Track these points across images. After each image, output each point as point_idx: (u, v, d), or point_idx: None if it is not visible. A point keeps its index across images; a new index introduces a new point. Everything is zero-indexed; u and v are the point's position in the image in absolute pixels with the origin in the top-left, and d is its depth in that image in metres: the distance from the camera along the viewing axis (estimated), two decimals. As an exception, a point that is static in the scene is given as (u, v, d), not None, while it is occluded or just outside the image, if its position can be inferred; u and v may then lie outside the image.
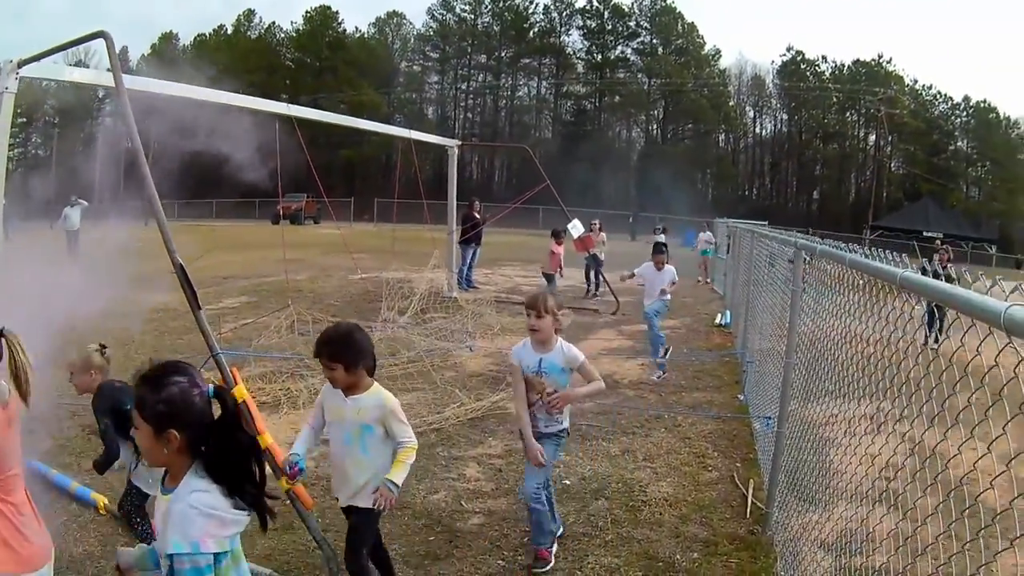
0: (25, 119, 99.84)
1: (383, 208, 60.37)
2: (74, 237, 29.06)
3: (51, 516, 6.76)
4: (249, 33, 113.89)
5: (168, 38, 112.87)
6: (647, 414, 10.99)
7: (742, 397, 12.07)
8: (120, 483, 7.81)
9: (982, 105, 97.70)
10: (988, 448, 2.63)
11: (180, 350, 13.94)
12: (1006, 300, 2.39)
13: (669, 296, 14.49)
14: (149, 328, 16.40)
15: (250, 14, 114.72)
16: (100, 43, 6.90)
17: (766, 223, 46.74)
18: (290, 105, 13.40)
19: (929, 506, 3.26)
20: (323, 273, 26.51)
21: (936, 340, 14.97)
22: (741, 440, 9.96)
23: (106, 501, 7.19)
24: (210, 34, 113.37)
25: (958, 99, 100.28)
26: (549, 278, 21.96)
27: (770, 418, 7.91)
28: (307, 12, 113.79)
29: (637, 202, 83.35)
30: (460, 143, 21.68)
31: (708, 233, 34.85)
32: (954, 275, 17.82)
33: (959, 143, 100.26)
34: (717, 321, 20.01)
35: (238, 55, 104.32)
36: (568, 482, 8.18)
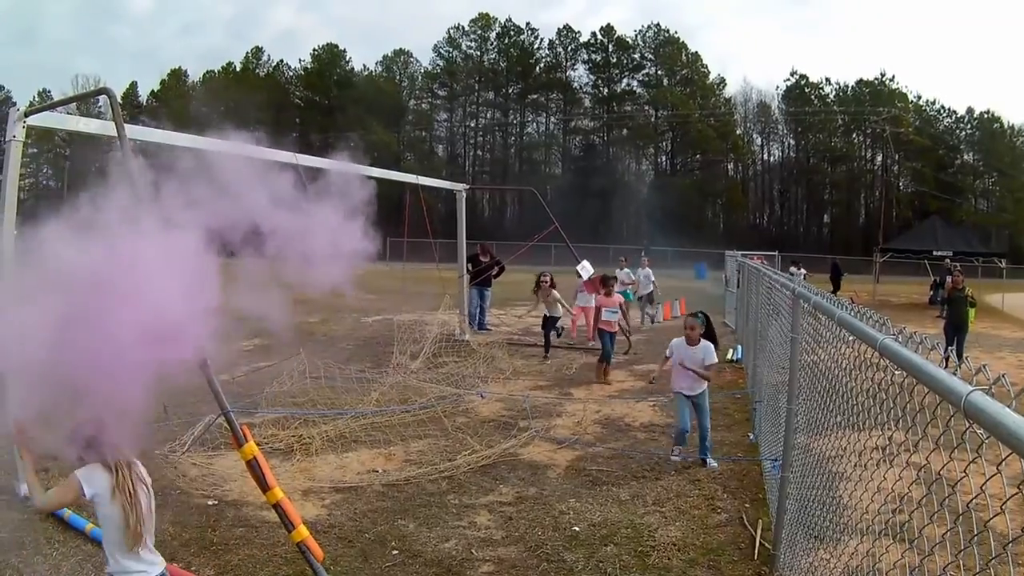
0: (35, 149, 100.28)
1: (395, 247, 60.55)
2: None
3: (67, 556, 6.85)
4: (258, 71, 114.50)
5: (177, 75, 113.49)
6: (658, 457, 11.04)
7: (752, 435, 12.08)
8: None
9: (986, 116, 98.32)
10: (998, 469, 2.63)
11: (192, 391, 13.98)
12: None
13: (705, 386, 11.12)
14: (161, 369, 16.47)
15: (258, 51, 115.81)
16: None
17: (776, 252, 46.83)
18: (296, 155, 13.46)
19: (936, 535, 3.30)
20: (336, 314, 26.55)
21: (954, 361, 14.95)
22: (751, 480, 9.98)
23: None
24: (219, 71, 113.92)
25: (962, 111, 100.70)
26: (609, 339, 17.55)
27: (776, 460, 7.96)
28: (315, 50, 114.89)
29: (648, 235, 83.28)
30: (468, 187, 21.75)
31: (626, 271, 29.23)
32: (970, 294, 17.85)
33: (965, 156, 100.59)
34: (729, 357, 19.86)
35: (246, 92, 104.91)
36: (577, 529, 8.20)
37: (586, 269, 21.08)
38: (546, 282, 20.62)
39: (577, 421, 13.16)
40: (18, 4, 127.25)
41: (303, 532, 6.15)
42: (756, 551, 7.64)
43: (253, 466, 6.16)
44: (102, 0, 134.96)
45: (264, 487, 6.15)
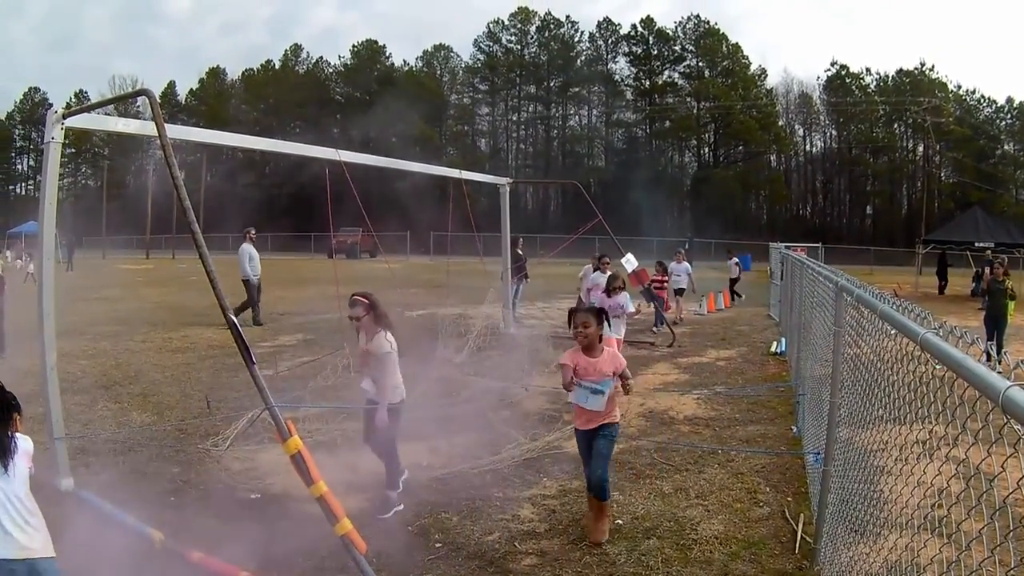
0: (73, 149, 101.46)
1: (439, 241, 60.68)
2: (255, 291, 23.73)
3: (106, 551, 6.92)
4: (297, 68, 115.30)
5: (215, 73, 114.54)
6: (701, 450, 11.00)
7: (795, 429, 12.03)
8: (178, 520, 7.98)
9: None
10: None
11: (236, 387, 14.15)
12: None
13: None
14: (205, 365, 16.66)
15: (297, 49, 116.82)
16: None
17: (819, 244, 46.44)
18: (339, 151, 13.48)
19: (974, 530, 3.23)
20: (380, 309, 26.55)
21: (995, 357, 14.66)
22: (793, 473, 9.96)
23: (162, 536, 7.29)
24: (258, 69, 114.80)
25: (1002, 101, 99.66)
26: None
27: (819, 453, 7.94)
28: (354, 46, 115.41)
29: (692, 227, 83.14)
30: (510, 180, 21.67)
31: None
32: (1009, 286, 17.65)
33: (1006, 146, 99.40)
34: (773, 349, 19.82)
35: (287, 90, 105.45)
36: (620, 522, 8.26)
37: (631, 262, 20.99)
38: (361, 316, 8.95)
39: (621, 414, 13.17)
40: (56, 9, 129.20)
41: (347, 525, 6.21)
42: (797, 545, 7.63)
43: (297, 460, 6.23)
44: (141, 2, 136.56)
45: (308, 481, 6.21)
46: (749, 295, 33.42)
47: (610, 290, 15.77)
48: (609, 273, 17.89)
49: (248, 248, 23.84)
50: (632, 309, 15.98)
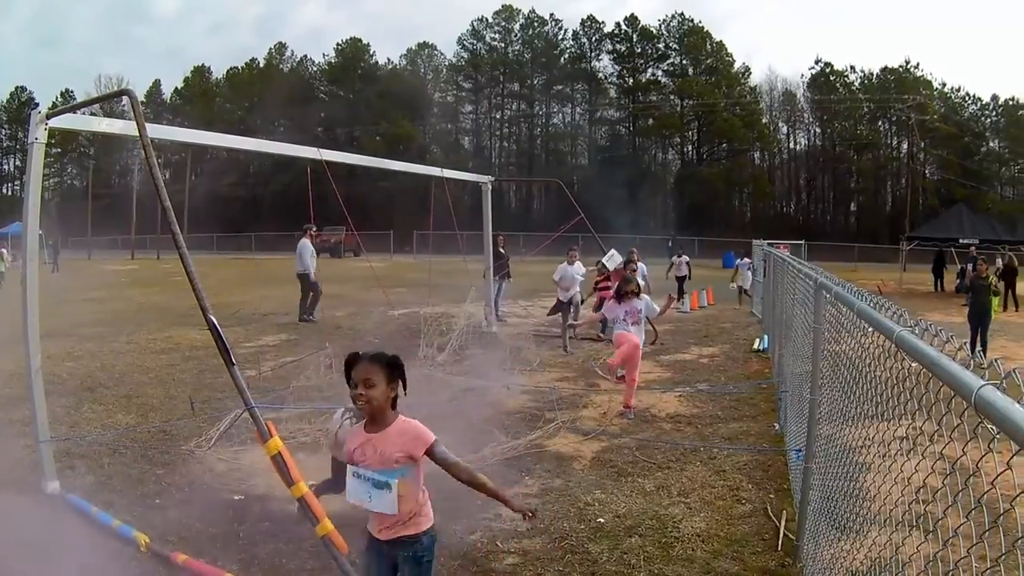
0: (59, 149, 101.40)
1: (422, 240, 60.69)
2: (314, 287, 23.96)
3: (93, 553, 6.90)
4: (281, 66, 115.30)
5: (200, 71, 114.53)
6: (683, 447, 11.02)
7: (778, 426, 12.04)
8: (164, 522, 7.97)
9: (1011, 103, 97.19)
10: (1008, 465, 2.58)
11: (219, 388, 14.12)
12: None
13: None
14: (189, 366, 16.64)
15: (282, 47, 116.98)
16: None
17: (802, 241, 46.53)
18: (321, 150, 13.46)
19: (952, 527, 3.21)
20: (362, 309, 26.59)
21: (980, 352, 14.65)
22: (776, 471, 9.96)
23: (147, 539, 7.27)
24: (242, 67, 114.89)
25: (987, 99, 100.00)
26: None
27: (801, 450, 7.95)
28: (338, 44, 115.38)
29: (675, 225, 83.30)
30: (493, 179, 21.64)
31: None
32: (992, 282, 17.76)
33: (990, 143, 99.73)
34: (755, 346, 19.84)
35: (271, 88, 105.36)
36: (602, 520, 8.24)
37: (613, 259, 20.98)
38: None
39: (603, 412, 13.17)
40: (43, 9, 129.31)
41: (328, 526, 6.20)
42: (780, 542, 7.64)
43: (278, 461, 6.22)
44: (128, 2, 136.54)
45: (289, 482, 6.21)
46: (728, 293, 33.47)
47: (623, 294, 13.72)
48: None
49: (308, 245, 23.60)
50: (657, 309, 14.32)
